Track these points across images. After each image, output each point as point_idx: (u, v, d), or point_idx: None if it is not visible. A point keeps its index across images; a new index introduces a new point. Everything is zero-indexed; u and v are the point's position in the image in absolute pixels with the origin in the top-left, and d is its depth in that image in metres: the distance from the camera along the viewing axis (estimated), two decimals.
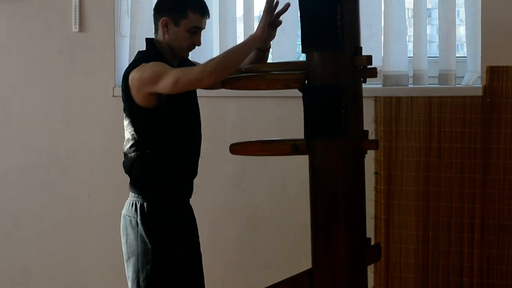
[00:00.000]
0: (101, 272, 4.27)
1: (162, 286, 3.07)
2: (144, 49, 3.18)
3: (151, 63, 3.00)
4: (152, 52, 3.10)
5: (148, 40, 3.15)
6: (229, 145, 3.06)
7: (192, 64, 3.17)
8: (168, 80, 2.92)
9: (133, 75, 3.01)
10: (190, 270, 3.17)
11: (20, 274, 4.43)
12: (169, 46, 3.08)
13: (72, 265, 4.32)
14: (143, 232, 3.07)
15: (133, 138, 3.08)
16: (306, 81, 2.84)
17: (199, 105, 3.20)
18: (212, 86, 3.04)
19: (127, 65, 3.15)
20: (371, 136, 3.59)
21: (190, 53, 3.16)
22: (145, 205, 3.07)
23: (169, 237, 3.08)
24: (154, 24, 3.12)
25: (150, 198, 3.08)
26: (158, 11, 3.10)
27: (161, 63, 3.00)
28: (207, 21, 3.13)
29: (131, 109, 3.07)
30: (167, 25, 3.06)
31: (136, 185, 3.11)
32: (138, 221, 3.08)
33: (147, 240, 3.06)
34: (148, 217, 3.07)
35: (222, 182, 3.99)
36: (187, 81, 2.91)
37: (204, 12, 3.08)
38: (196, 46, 3.12)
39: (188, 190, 3.18)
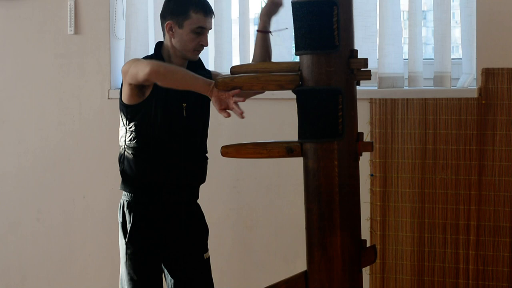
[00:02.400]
0: (97, 274, 4.26)
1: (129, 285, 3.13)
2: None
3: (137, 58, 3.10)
4: (154, 54, 3.16)
5: (156, 44, 3.21)
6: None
7: (201, 67, 3.22)
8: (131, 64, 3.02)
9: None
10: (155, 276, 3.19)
11: (16, 277, 4.42)
12: (176, 49, 3.11)
13: (68, 268, 4.31)
14: (121, 230, 3.15)
15: (120, 137, 3.16)
16: (300, 83, 2.83)
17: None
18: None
19: None
20: (367, 138, 3.60)
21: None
22: (125, 203, 3.14)
23: (141, 236, 3.12)
24: (162, 30, 3.16)
25: (130, 196, 3.13)
26: (162, 16, 3.14)
27: (141, 59, 3.08)
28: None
29: (120, 105, 3.14)
30: (172, 29, 3.09)
31: (123, 183, 3.18)
32: (119, 219, 3.16)
33: (123, 236, 3.13)
34: (125, 215, 3.13)
35: (218, 184, 3.98)
36: (137, 68, 2.98)
37: (206, 11, 3.09)
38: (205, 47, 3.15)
39: (173, 194, 3.15)
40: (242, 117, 2.92)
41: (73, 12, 4.16)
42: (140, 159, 3.09)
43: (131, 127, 3.09)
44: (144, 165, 3.09)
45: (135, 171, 3.10)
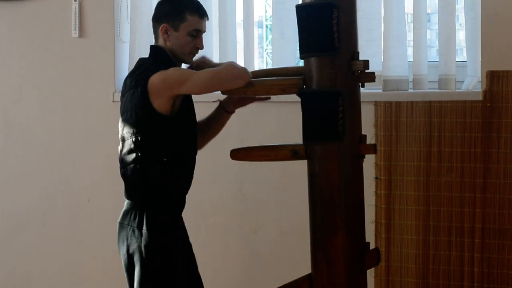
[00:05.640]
0: (103, 278, 4.26)
1: None
2: (145, 55, 3.17)
3: (174, 68, 3.00)
4: (163, 59, 3.07)
5: (155, 47, 3.12)
6: (229, 151, 3.06)
7: None
8: (200, 78, 2.95)
9: (153, 79, 2.95)
10: (195, 276, 3.16)
11: (21, 280, 4.42)
12: (171, 53, 3.06)
13: (73, 271, 4.32)
14: (148, 241, 3.02)
15: (142, 145, 3.02)
16: (304, 86, 2.84)
17: (199, 110, 3.19)
18: None
19: (138, 72, 3.07)
20: (371, 140, 3.59)
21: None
22: (149, 214, 3.04)
23: (174, 245, 3.06)
24: (154, 34, 3.11)
25: (152, 206, 3.05)
26: (157, 19, 3.09)
27: (184, 68, 3.04)
28: (207, 25, 3.13)
29: (147, 115, 2.99)
30: (167, 32, 3.05)
31: (139, 193, 3.07)
32: (144, 230, 3.04)
33: (153, 249, 3.02)
34: (153, 226, 3.03)
35: (223, 188, 3.99)
36: (224, 78, 2.94)
37: (202, 13, 3.07)
38: (199, 50, 3.11)
39: (184, 200, 3.15)
40: None
41: (77, 15, 4.17)
42: (168, 170, 3.02)
43: (159, 137, 3.01)
44: (172, 175, 3.04)
45: (165, 182, 3.04)
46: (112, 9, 4.13)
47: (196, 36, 3.06)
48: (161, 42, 3.08)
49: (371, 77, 2.83)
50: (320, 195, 2.82)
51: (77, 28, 4.18)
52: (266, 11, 4.69)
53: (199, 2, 3.10)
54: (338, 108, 2.76)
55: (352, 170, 2.83)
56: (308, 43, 2.79)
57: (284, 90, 2.88)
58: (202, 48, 3.10)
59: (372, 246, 2.98)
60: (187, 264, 3.11)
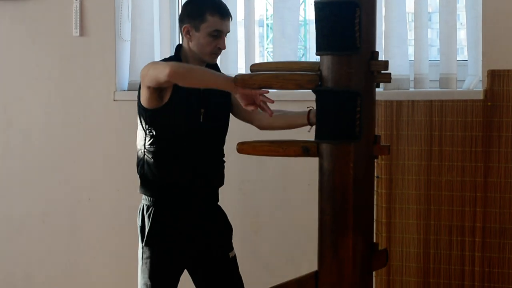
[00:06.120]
0: (103, 277, 4.26)
1: None
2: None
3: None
4: (173, 56, 3.16)
5: (176, 46, 3.21)
6: (233, 148, 3.05)
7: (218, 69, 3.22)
8: (145, 66, 3.00)
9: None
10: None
11: (21, 279, 4.42)
12: (194, 53, 3.11)
13: (73, 270, 4.31)
14: (139, 234, 3.14)
15: (141, 138, 3.13)
16: (320, 83, 2.80)
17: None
18: None
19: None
20: None
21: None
22: (144, 207, 3.13)
23: (157, 239, 3.11)
24: (180, 33, 3.17)
25: (149, 199, 3.13)
26: (180, 20, 3.15)
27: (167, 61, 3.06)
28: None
29: (139, 109, 3.11)
30: (189, 32, 3.09)
31: (140, 184, 3.17)
32: (138, 222, 3.15)
33: (140, 241, 3.12)
34: (144, 219, 3.13)
35: (223, 186, 3.98)
36: (156, 70, 2.94)
37: (223, 14, 3.09)
38: (223, 50, 3.15)
39: (184, 198, 3.15)
40: (271, 116, 2.94)
41: (78, 13, 4.17)
42: (159, 163, 3.08)
43: (150, 131, 3.08)
44: (161, 168, 3.09)
45: (154, 175, 3.10)
46: (113, 7, 4.13)
47: (217, 37, 3.09)
48: (184, 42, 3.14)
49: (387, 78, 2.78)
50: (333, 194, 2.79)
51: (78, 27, 4.18)
52: (267, 10, 4.70)
53: (221, 3, 3.13)
54: (356, 109, 2.73)
55: (365, 170, 2.79)
56: (328, 41, 2.74)
57: (300, 85, 2.83)
58: (224, 48, 3.13)
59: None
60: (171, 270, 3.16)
